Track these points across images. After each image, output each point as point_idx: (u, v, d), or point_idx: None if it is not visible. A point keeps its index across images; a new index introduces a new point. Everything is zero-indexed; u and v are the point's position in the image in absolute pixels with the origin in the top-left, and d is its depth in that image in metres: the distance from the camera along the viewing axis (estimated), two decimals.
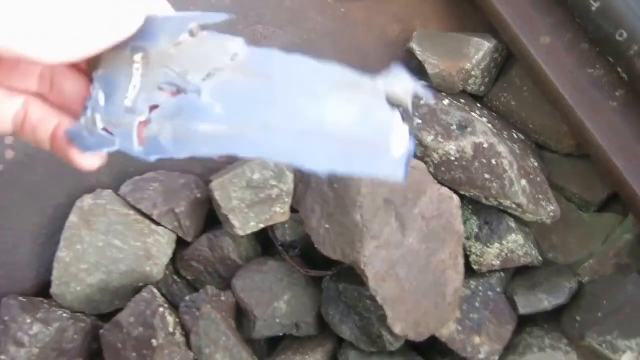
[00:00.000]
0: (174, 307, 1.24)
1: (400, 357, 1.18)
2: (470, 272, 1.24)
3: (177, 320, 1.19)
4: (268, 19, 1.38)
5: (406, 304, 1.10)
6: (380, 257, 1.08)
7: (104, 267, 1.22)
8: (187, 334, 1.19)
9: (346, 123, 0.44)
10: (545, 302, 1.19)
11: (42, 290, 1.28)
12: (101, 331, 1.20)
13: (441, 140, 1.18)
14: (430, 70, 1.29)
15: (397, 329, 1.09)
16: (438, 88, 1.31)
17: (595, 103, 1.18)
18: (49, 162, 1.29)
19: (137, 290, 1.23)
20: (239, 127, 0.45)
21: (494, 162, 1.16)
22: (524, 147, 1.29)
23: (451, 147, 1.18)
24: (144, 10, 0.47)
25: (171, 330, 1.17)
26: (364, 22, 1.42)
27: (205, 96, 0.46)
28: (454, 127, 1.20)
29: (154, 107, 0.47)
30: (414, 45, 1.32)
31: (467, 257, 1.24)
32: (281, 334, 1.22)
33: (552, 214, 1.20)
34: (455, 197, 1.16)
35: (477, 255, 1.23)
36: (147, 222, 1.24)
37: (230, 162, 1.28)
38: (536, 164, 1.27)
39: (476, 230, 1.24)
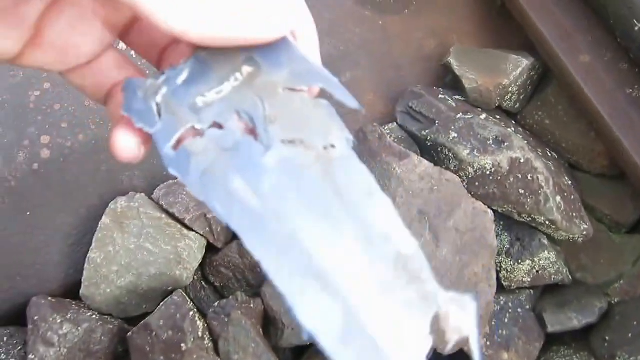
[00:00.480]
0: (202, 313, 1.23)
1: None
2: (499, 288, 1.23)
3: (206, 325, 1.18)
4: None
5: (437, 316, 1.08)
6: None
7: (134, 269, 1.21)
8: (215, 340, 1.18)
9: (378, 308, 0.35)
10: (575, 320, 1.18)
11: (70, 291, 1.27)
12: (129, 334, 1.18)
13: (477, 154, 1.18)
14: (467, 85, 1.29)
15: None
16: (474, 103, 1.31)
17: (633, 123, 1.18)
18: (84, 163, 1.29)
19: (166, 294, 1.22)
20: (271, 218, 0.37)
21: (529, 177, 1.15)
22: (558, 165, 1.29)
23: (487, 162, 1.17)
24: (291, 25, 0.42)
25: (200, 334, 1.16)
26: (401, 36, 1.43)
27: (271, 159, 0.38)
28: (491, 141, 1.19)
29: (216, 125, 0.41)
30: (452, 60, 1.32)
31: (497, 272, 1.23)
32: (308, 343, 1.21)
33: (584, 233, 1.19)
34: (490, 212, 1.15)
35: (507, 271, 1.22)
36: (179, 226, 1.23)
37: None
38: (570, 183, 1.26)
39: (507, 246, 1.23)
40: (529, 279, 1.21)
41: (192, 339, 1.14)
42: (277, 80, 0.40)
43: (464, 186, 1.18)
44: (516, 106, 1.34)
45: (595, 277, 1.29)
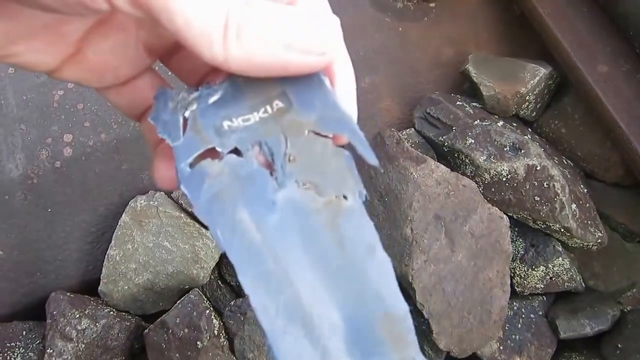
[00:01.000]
0: (218, 312, 1.23)
1: None
2: (513, 293, 1.22)
3: (222, 324, 1.18)
4: None
5: (451, 320, 1.08)
6: (429, 271, 1.07)
7: (152, 267, 1.21)
8: (230, 338, 1.18)
9: None
10: (587, 327, 1.17)
11: (88, 287, 1.27)
12: (146, 331, 1.18)
13: (494, 160, 1.17)
14: (485, 92, 1.29)
15: (442, 344, 1.08)
16: (491, 111, 1.31)
17: None
18: (105, 162, 1.30)
19: (182, 292, 1.23)
20: (268, 256, 0.36)
21: (545, 184, 1.14)
22: (573, 173, 1.28)
23: (503, 168, 1.17)
24: (331, 57, 0.41)
25: (216, 333, 1.15)
26: (420, 42, 1.43)
27: (281, 197, 0.38)
28: (507, 148, 1.19)
29: (236, 152, 0.40)
30: (470, 67, 1.32)
31: (510, 278, 1.22)
32: None
33: (599, 241, 1.18)
34: (505, 217, 1.14)
35: (520, 277, 1.22)
36: (197, 225, 1.23)
37: None
38: (585, 191, 1.26)
39: (521, 252, 1.23)
40: (542, 285, 1.20)
41: (208, 337, 1.14)
42: (305, 121, 0.40)
43: (480, 192, 1.17)
44: (533, 114, 1.34)
45: (607, 285, 1.28)
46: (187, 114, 0.42)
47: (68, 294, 1.22)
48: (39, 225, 1.26)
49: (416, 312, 1.10)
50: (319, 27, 0.39)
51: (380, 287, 0.36)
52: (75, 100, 1.32)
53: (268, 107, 0.41)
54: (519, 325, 1.19)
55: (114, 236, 1.22)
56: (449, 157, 1.25)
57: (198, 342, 1.14)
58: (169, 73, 0.51)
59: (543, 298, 1.24)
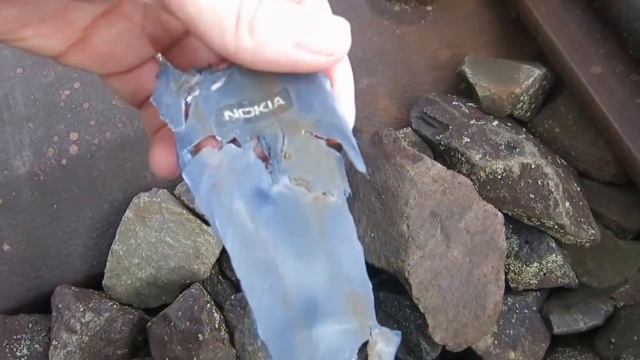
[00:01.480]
0: (219, 306, 1.24)
1: None
2: (507, 289, 1.22)
3: (222, 317, 1.19)
4: None
5: (447, 314, 1.08)
6: (424, 266, 1.07)
7: (154, 262, 1.22)
8: (230, 331, 1.18)
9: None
10: (581, 322, 1.17)
11: (93, 282, 1.28)
12: (149, 324, 1.19)
13: (489, 159, 1.18)
14: (480, 92, 1.29)
15: (437, 338, 1.08)
16: (487, 111, 1.31)
17: None
18: (110, 159, 1.30)
19: (184, 287, 1.23)
20: (259, 245, 0.38)
21: (539, 182, 1.15)
22: (567, 172, 1.28)
23: (498, 166, 1.17)
24: (338, 57, 0.41)
25: (217, 326, 1.16)
26: (417, 45, 1.43)
27: (275, 191, 0.40)
28: (502, 147, 1.19)
29: (235, 143, 0.41)
30: (466, 68, 1.32)
31: (505, 274, 1.23)
32: None
33: (592, 237, 1.18)
34: (500, 214, 1.14)
35: (515, 273, 1.22)
36: (199, 221, 1.24)
37: None
38: (578, 189, 1.26)
39: (516, 248, 1.23)
40: (536, 281, 1.20)
41: (209, 330, 1.14)
42: (303, 121, 0.41)
43: (476, 189, 1.18)
44: (527, 114, 1.34)
45: (600, 282, 1.28)
46: (189, 99, 0.43)
47: (73, 287, 1.22)
48: (45, 221, 1.27)
49: (412, 307, 1.10)
50: (330, 29, 0.40)
51: (350, 270, 0.40)
52: (82, 99, 1.33)
53: (269, 103, 0.42)
54: (513, 321, 1.19)
55: (117, 232, 1.23)
56: (445, 156, 1.25)
57: (199, 335, 1.14)
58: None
59: (537, 294, 1.24)
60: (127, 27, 0.45)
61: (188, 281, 1.24)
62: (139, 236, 1.22)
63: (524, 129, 1.34)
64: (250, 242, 0.38)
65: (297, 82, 0.42)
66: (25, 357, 1.18)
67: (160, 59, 0.50)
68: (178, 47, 0.49)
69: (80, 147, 1.30)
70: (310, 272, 0.39)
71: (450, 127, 1.25)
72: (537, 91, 1.31)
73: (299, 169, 0.40)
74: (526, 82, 1.28)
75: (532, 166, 1.15)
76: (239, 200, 0.39)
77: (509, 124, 1.30)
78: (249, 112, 0.42)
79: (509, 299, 1.22)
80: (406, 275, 1.06)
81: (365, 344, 0.39)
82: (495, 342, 1.16)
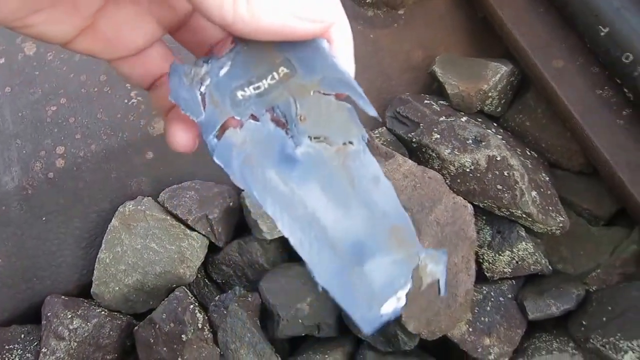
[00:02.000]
0: (204, 308, 1.25)
1: (415, 357, 1.17)
2: (483, 278, 1.24)
3: (206, 318, 1.20)
4: None
5: (419, 303, 1.10)
6: None
7: (140, 268, 1.24)
8: (214, 331, 1.20)
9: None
10: (554, 307, 1.18)
11: (83, 291, 1.30)
12: (135, 328, 1.21)
13: (457, 153, 1.20)
14: (449, 90, 1.31)
15: (410, 327, 1.09)
16: (457, 107, 1.33)
17: (604, 122, 1.19)
18: (95, 171, 1.32)
19: (170, 291, 1.24)
20: (297, 204, 0.42)
21: (506, 173, 1.16)
22: (536, 163, 1.29)
23: (466, 160, 1.19)
24: (330, 21, 0.44)
25: (200, 326, 1.17)
26: (391, 48, 1.45)
27: (299, 152, 0.43)
28: (470, 141, 1.21)
29: (253, 117, 0.44)
30: (436, 68, 1.34)
31: (480, 264, 1.24)
32: (303, 334, 1.22)
33: (561, 225, 1.20)
34: (469, 206, 1.16)
35: (489, 263, 1.23)
36: (182, 227, 1.26)
37: None
38: (547, 179, 1.27)
39: (489, 238, 1.24)
40: (509, 270, 1.22)
41: (192, 330, 1.16)
42: (309, 83, 0.44)
43: (447, 183, 1.19)
44: (498, 110, 1.36)
45: (575, 268, 1.29)
46: (202, 89, 0.46)
47: (62, 296, 1.24)
48: (35, 233, 1.29)
49: None
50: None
51: (385, 207, 0.42)
52: (67, 114, 1.36)
53: (275, 74, 0.45)
54: (488, 308, 1.20)
55: (104, 240, 1.25)
56: (418, 153, 1.27)
57: (183, 335, 1.16)
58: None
59: (512, 282, 1.25)
60: (135, 11, 0.47)
61: (174, 285, 1.26)
62: (125, 243, 1.24)
63: (495, 124, 1.36)
64: (288, 203, 0.42)
65: (296, 49, 0.45)
66: None
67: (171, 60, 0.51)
68: (184, 27, 0.51)
69: (66, 160, 1.32)
70: (349, 218, 0.42)
71: (421, 124, 1.27)
72: (505, 87, 1.33)
73: (316, 127, 0.43)
74: (493, 79, 1.29)
75: (498, 158, 1.17)
76: (269, 169, 0.42)
77: (479, 120, 1.31)
78: (258, 87, 0.45)
79: (484, 287, 1.23)
80: None
81: (416, 268, 0.41)
82: (470, 329, 1.17)
